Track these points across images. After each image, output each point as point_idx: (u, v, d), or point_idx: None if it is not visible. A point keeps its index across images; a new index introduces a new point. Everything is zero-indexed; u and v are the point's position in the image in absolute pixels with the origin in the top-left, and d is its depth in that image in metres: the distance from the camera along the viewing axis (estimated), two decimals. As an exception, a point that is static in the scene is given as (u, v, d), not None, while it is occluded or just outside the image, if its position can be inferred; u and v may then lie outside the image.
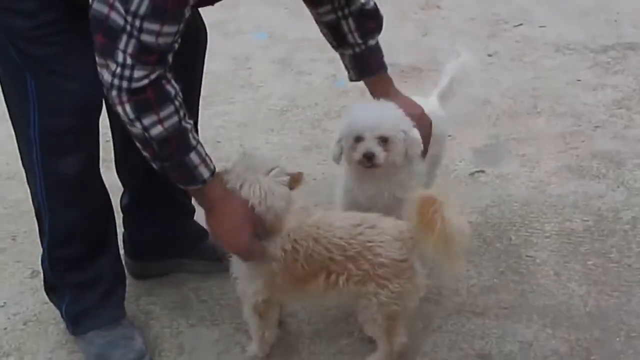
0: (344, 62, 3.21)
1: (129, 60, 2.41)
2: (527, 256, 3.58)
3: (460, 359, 3.11)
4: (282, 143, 4.61)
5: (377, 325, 2.84)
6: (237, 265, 2.90)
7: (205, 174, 2.63)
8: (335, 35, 3.14)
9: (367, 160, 3.00)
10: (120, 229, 3.40)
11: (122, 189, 3.45)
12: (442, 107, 3.53)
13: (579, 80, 5.12)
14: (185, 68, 3.08)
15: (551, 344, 3.12)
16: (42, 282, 3.24)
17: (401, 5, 6.33)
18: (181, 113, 2.53)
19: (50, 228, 3.03)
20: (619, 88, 4.98)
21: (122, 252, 3.38)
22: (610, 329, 3.17)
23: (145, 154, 2.60)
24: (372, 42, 3.12)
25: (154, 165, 2.63)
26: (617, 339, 3.12)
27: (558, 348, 3.10)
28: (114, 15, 2.38)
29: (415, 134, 3.04)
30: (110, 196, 3.17)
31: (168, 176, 2.67)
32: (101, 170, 3.07)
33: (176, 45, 2.51)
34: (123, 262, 3.32)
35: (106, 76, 2.45)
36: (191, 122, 2.61)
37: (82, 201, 3.00)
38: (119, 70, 2.42)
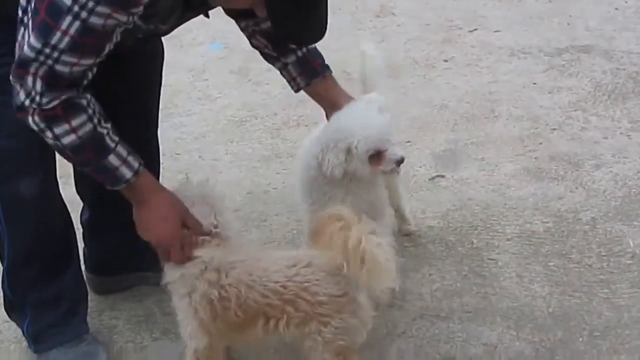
0: (287, 73, 3.18)
1: (38, 88, 2.45)
2: (489, 259, 3.60)
3: (426, 364, 3.13)
4: (241, 153, 4.59)
5: None
6: (174, 304, 2.85)
7: (127, 174, 2.64)
8: (275, 44, 3.11)
9: (397, 165, 3.03)
10: (80, 244, 3.37)
11: (82, 204, 3.42)
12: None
13: (534, 84, 5.15)
14: (143, 82, 3.07)
15: (515, 346, 3.14)
16: (2, 301, 3.20)
17: (356, 13, 6.34)
18: (95, 120, 2.55)
19: (8, 250, 3.00)
20: (574, 90, 5.02)
21: (82, 267, 3.34)
22: (573, 329, 3.20)
23: (64, 158, 2.64)
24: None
25: (79, 169, 2.68)
26: (580, 339, 3.15)
27: (523, 350, 3.12)
28: (26, 49, 2.42)
29: None
30: (70, 212, 3.14)
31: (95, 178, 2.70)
32: (60, 187, 3.04)
33: (91, 74, 2.53)
34: (84, 278, 3.29)
35: (19, 96, 2.49)
36: (108, 125, 2.61)
37: (41, 222, 2.98)
38: (31, 95, 2.46)
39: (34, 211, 2.93)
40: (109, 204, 3.13)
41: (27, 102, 2.47)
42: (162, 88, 3.30)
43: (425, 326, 3.28)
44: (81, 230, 3.42)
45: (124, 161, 2.63)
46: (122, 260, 3.44)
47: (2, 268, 3.11)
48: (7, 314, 3.22)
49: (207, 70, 5.69)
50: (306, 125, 4.74)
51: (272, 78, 5.01)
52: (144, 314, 3.43)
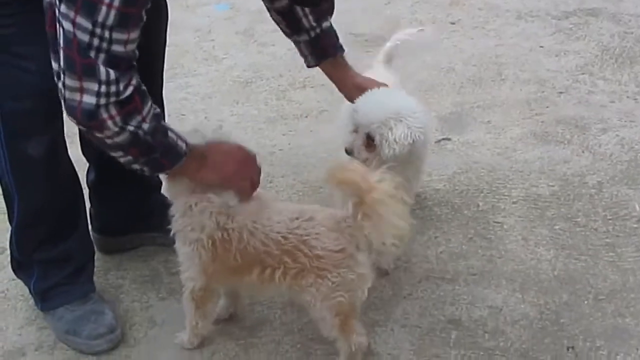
0: (299, 49, 3.19)
1: (112, 75, 2.35)
2: (494, 222, 3.60)
3: (431, 326, 3.13)
4: (247, 114, 4.58)
5: (328, 324, 2.79)
6: (177, 249, 2.88)
7: (183, 145, 2.61)
8: (289, 22, 3.10)
9: None
10: (87, 204, 3.37)
11: (87, 164, 3.42)
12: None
13: (541, 47, 5.13)
14: (147, 42, 3.05)
15: (520, 309, 3.15)
16: (9, 260, 3.21)
17: (363, -26, 6.30)
18: (151, 102, 2.50)
19: (18, 209, 3.00)
20: (581, 54, 5.01)
21: (90, 227, 3.34)
22: (578, 292, 3.21)
23: (127, 158, 2.56)
24: (326, 24, 3.10)
25: (135, 166, 2.61)
26: (585, 302, 3.16)
27: (527, 312, 3.13)
28: (79, 34, 2.31)
29: None
30: (78, 172, 3.15)
31: (147, 173, 2.67)
32: (68, 146, 3.04)
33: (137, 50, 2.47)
34: (91, 238, 3.30)
35: (88, 99, 2.35)
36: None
37: (49, 182, 2.97)
38: (103, 88, 2.34)
39: (42, 171, 2.92)
40: (115, 165, 3.13)
41: (101, 101, 2.34)
42: (167, 48, 3.29)
43: (431, 288, 3.29)
44: (87, 190, 3.42)
45: (178, 136, 2.61)
46: (128, 221, 3.45)
47: (10, 227, 3.12)
48: (14, 272, 3.23)
49: (213, 31, 5.66)
50: (312, 87, 4.74)
51: (278, 39, 4.96)
52: (150, 274, 3.44)
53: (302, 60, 3.22)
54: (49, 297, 3.15)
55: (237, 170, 2.75)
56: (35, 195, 2.98)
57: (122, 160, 2.58)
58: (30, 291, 3.20)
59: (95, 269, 3.30)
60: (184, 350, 3.09)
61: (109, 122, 2.39)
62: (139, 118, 2.43)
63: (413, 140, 2.89)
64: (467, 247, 3.47)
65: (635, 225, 3.55)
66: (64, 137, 2.98)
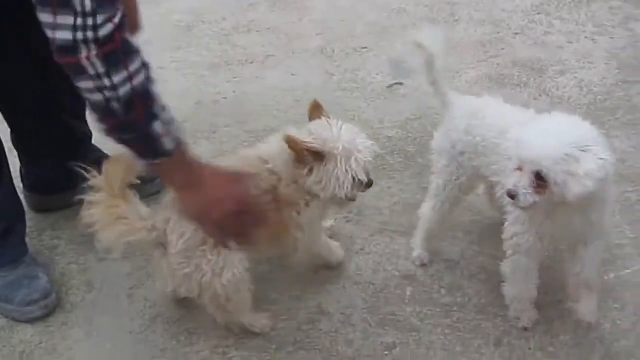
0: None
1: (88, 6, 1.99)
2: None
3: (385, 282, 3.01)
4: (188, 61, 4.39)
5: None
6: None
7: (169, 144, 2.20)
8: None
9: None
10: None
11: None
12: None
13: (496, -15, 4.98)
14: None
15: (478, 262, 3.05)
16: None
17: None
18: (147, 67, 2.13)
19: None
20: (536, -7, 4.87)
21: (20, 185, 3.19)
22: (538, 243, 3.09)
23: (103, 125, 2.16)
24: None
25: (112, 138, 2.29)
26: (546, 253, 3.03)
27: (486, 266, 3.03)
28: None
29: None
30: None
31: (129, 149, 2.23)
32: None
33: None
34: (22, 197, 3.12)
35: (63, 35, 1.99)
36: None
37: None
38: (80, 21, 1.98)
39: None
40: (39, 125, 2.94)
41: (79, 35, 1.99)
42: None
43: (385, 242, 3.17)
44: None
45: (168, 126, 2.19)
46: (59, 178, 3.23)
47: None
48: (-60, 238, 3.03)
49: (152, -27, 5.42)
50: (258, 31, 4.55)
51: (220, -20, 4.79)
52: (87, 234, 3.23)
53: (246, 1, 3.04)
54: (-22, 263, 2.96)
55: (223, 219, 2.30)
56: None
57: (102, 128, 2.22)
58: (-42, 258, 3.00)
59: (28, 230, 3.12)
60: (125, 315, 2.94)
61: (87, 64, 2.02)
62: (124, 74, 2.06)
63: (606, 174, 2.33)
64: (421, 197, 3.30)
65: (595, 171, 3.43)
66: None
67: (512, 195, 2.40)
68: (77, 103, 2.90)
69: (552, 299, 2.87)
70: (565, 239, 2.64)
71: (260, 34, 4.54)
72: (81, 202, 2.85)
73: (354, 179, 2.62)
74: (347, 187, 2.62)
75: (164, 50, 4.47)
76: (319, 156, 2.60)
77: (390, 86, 4.06)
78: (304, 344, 2.82)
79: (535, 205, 2.40)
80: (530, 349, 2.76)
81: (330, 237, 3.12)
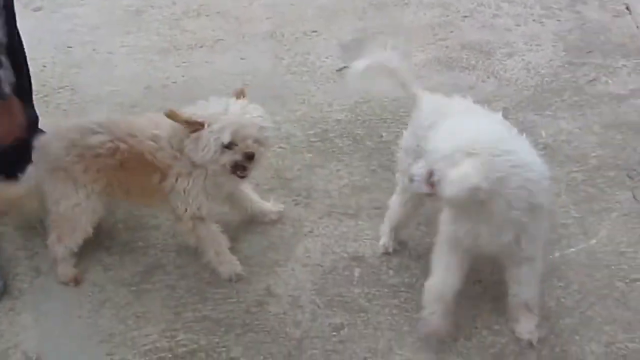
0: None
1: None
2: (398, 153, 3.46)
3: (333, 264, 3.02)
4: (138, 46, 4.34)
5: None
6: None
7: None
8: None
9: None
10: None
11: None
12: None
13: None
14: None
15: (426, 243, 3.04)
16: None
17: None
18: None
19: None
20: (485, -25, 4.87)
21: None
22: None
23: None
24: None
25: None
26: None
27: (433, 247, 3.00)
28: None
29: None
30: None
31: None
32: None
33: None
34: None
35: None
36: None
37: None
38: None
39: None
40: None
41: None
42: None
43: (333, 224, 3.17)
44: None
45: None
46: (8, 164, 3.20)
47: None
48: None
49: (101, -44, 5.35)
50: (207, 15, 4.51)
51: (169, -37, 4.74)
52: (34, 220, 3.22)
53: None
54: None
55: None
56: None
57: None
58: None
59: (-28, 218, 3.10)
60: (73, 300, 2.93)
61: None
62: None
63: (480, 184, 2.25)
64: (370, 179, 3.35)
65: (541, 152, 3.40)
66: None
67: (410, 179, 2.47)
68: (22, 88, 2.88)
69: (497, 278, 2.89)
70: (485, 249, 2.55)
71: (210, 18, 4.50)
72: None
73: (218, 142, 2.69)
74: (212, 150, 2.70)
75: (114, 35, 4.43)
76: (196, 126, 2.71)
77: (340, 70, 4.04)
78: (252, 326, 2.83)
79: (430, 197, 2.49)
80: (476, 327, 2.79)
81: (279, 220, 3.16)
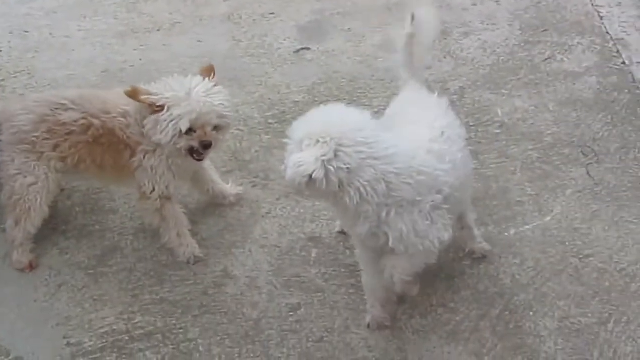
0: None
1: None
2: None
3: (291, 245, 3.04)
4: (95, 29, 4.31)
5: None
6: None
7: None
8: None
9: None
10: None
11: None
12: None
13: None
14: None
15: (382, 222, 3.06)
16: None
17: None
18: None
19: None
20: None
21: None
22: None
23: None
24: None
25: None
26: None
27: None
28: None
29: None
30: None
31: None
32: None
33: None
34: None
35: None
36: None
37: None
38: None
39: None
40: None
41: None
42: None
43: (291, 205, 3.19)
44: None
45: None
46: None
47: None
48: None
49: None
50: (165, -2, 4.50)
51: (125, -56, 4.71)
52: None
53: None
54: None
55: None
56: None
57: None
58: None
59: None
60: (29, 284, 2.94)
61: None
62: None
63: (316, 175, 2.21)
64: (327, 160, 3.35)
65: (497, 131, 3.49)
66: None
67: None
68: None
69: (453, 256, 2.92)
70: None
71: (167, 2, 4.48)
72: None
73: (177, 128, 2.69)
74: (169, 134, 2.70)
75: (70, 19, 4.40)
76: (156, 108, 2.71)
77: (297, 51, 4.05)
78: (209, 308, 2.84)
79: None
80: (432, 305, 2.82)
81: (237, 202, 3.16)
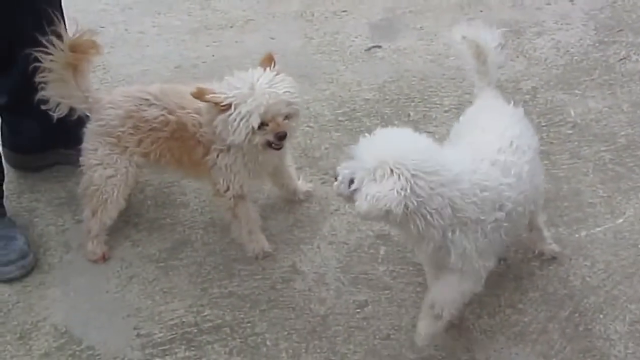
0: None
1: None
2: (426, 132, 3.44)
3: (359, 242, 3.05)
4: (169, 25, 4.36)
5: None
6: None
7: None
8: None
9: None
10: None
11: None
12: None
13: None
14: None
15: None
16: None
17: None
18: None
19: None
20: (515, -47, 4.84)
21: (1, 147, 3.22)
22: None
23: None
24: None
25: None
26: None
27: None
28: None
29: None
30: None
31: None
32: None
33: None
34: (2, 158, 3.13)
35: None
36: None
37: None
38: None
39: None
40: (27, 90, 2.94)
41: None
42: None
43: (359, 202, 3.18)
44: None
45: None
46: (45, 137, 3.24)
47: None
48: None
49: None
50: (237, -5, 4.54)
51: (202, -58, 4.76)
52: (66, 196, 3.28)
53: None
54: (-45, 223, 2.99)
55: None
56: None
57: None
58: None
59: (7, 193, 3.16)
60: (101, 275, 2.99)
61: None
62: None
63: (394, 210, 2.18)
64: (397, 158, 3.35)
65: (569, 132, 3.45)
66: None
67: (335, 177, 2.33)
68: None
69: (521, 257, 2.90)
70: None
71: (241, -1, 4.53)
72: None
73: (248, 126, 2.66)
74: (242, 133, 2.67)
75: (145, 15, 4.46)
76: (223, 106, 2.69)
77: (369, 49, 4.05)
78: (277, 303, 2.86)
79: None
80: (500, 305, 2.80)
81: (306, 198, 3.19)
